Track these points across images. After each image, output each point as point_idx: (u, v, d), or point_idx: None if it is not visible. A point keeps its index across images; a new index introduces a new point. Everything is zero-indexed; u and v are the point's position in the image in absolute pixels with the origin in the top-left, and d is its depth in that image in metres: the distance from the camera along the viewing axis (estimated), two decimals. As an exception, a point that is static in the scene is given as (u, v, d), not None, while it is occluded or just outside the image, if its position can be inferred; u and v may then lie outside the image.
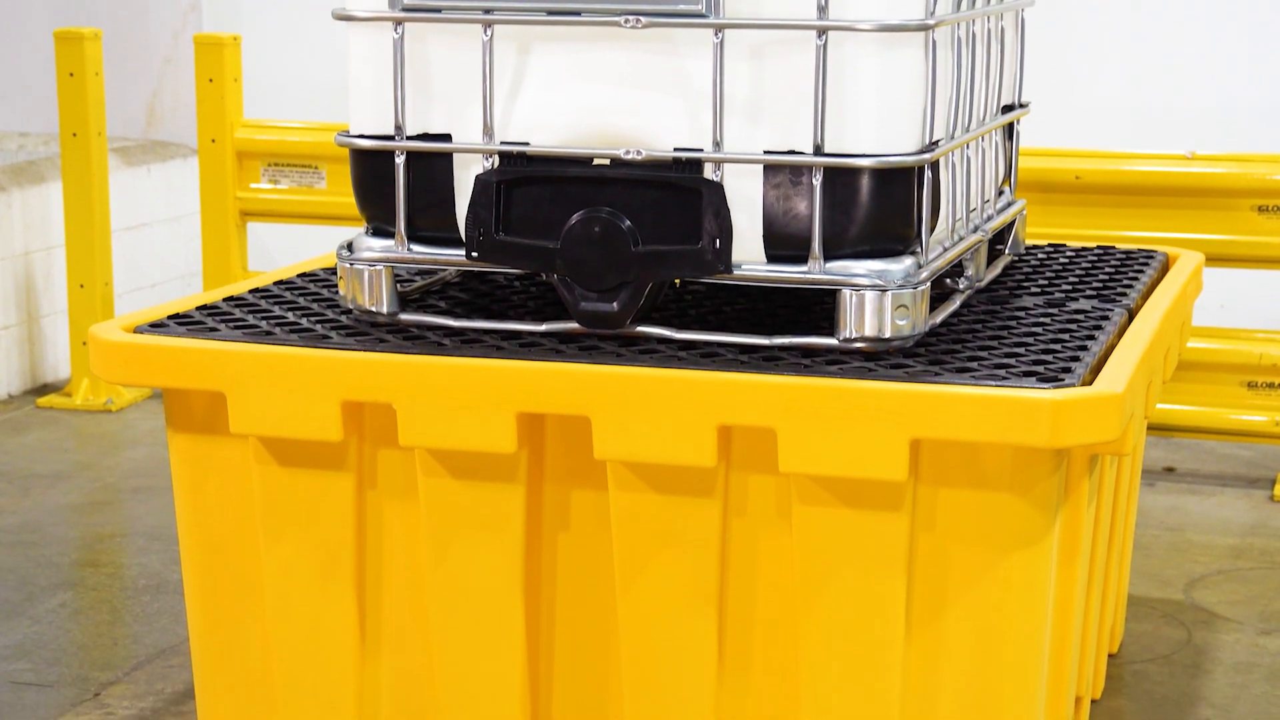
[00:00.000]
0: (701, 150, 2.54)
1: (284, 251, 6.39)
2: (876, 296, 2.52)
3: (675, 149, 2.55)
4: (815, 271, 2.54)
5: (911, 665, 2.55)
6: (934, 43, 2.55)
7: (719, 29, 2.49)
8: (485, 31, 2.59)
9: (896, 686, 2.55)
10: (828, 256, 2.54)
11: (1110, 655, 3.38)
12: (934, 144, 2.60)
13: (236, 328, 2.77)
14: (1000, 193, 3.17)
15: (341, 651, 2.78)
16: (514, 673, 2.71)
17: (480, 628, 2.70)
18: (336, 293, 3.01)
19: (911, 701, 2.56)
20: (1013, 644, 2.52)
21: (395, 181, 2.68)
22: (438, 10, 2.62)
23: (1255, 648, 3.48)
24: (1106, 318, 2.85)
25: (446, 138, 2.67)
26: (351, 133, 2.73)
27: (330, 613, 2.76)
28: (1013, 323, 2.81)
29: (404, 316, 2.74)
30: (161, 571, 3.86)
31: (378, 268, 2.73)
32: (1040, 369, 2.50)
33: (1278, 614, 3.66)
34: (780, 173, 2.53)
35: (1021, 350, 2.62)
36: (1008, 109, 3.16)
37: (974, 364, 2.53)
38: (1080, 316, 2.86)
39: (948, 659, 2.54)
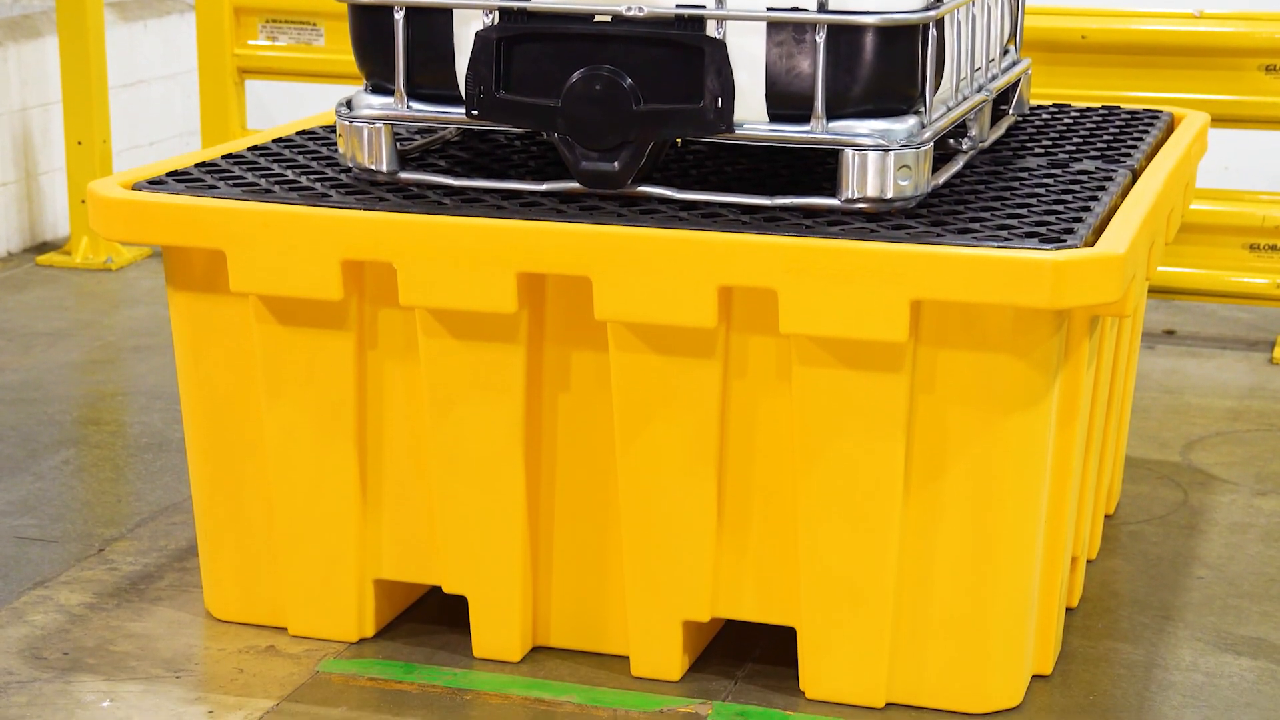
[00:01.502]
0: (704, 7, 2.51)
1: (283, 110, 6.34)
2: (879, 156, 2.51)
3: (678, 5, 2.52)
4: (818, 131, 2.52)
5: (909, 525, 2.57)
6: (941, -102, 2.51)
7: (722, -117, 2.46)
8: (485, -115, 2.55)
9: (894, 546, 2.57)
10: (830, 116, 2.52)
11: (1107, 516, 3.40)
12: (939, 1, 2.57)
13: (236, 185, 2.76)
14: (1005, 52, 3.13)
15: (343, 507, 2.79)
16: (514, 530, 2.73)
17: (481, 486, 2.71)
18: (336, 151, 2.99)
19: (909, 560, 2.58)
20: (1010, 504, 2.54)
21: (394, 37, 2.65)
22: None
23: (1250, 509, 3.50)
24: (1110, 179, 2.83)
25: (446, -6, 2.64)
26: (350, -12, 2.70)
27: (331, 470, 2.78)
28: (1016, 184, 2.79)
29: (404, 175, 2.72)
30: (163, 430, 3.88)
31: (377, 125, 2.71)
32: (1042, 230, 2.49)
33: (1274, 475, 3.68)
34: (783, 30, 2.50)
35: (1024, 211, 2.60)
36: (1014, -34, 3.12)
37: (976, 225, 2.51)
38: (1084, 177, 2.84)
39: (945, 519, 2.56)
